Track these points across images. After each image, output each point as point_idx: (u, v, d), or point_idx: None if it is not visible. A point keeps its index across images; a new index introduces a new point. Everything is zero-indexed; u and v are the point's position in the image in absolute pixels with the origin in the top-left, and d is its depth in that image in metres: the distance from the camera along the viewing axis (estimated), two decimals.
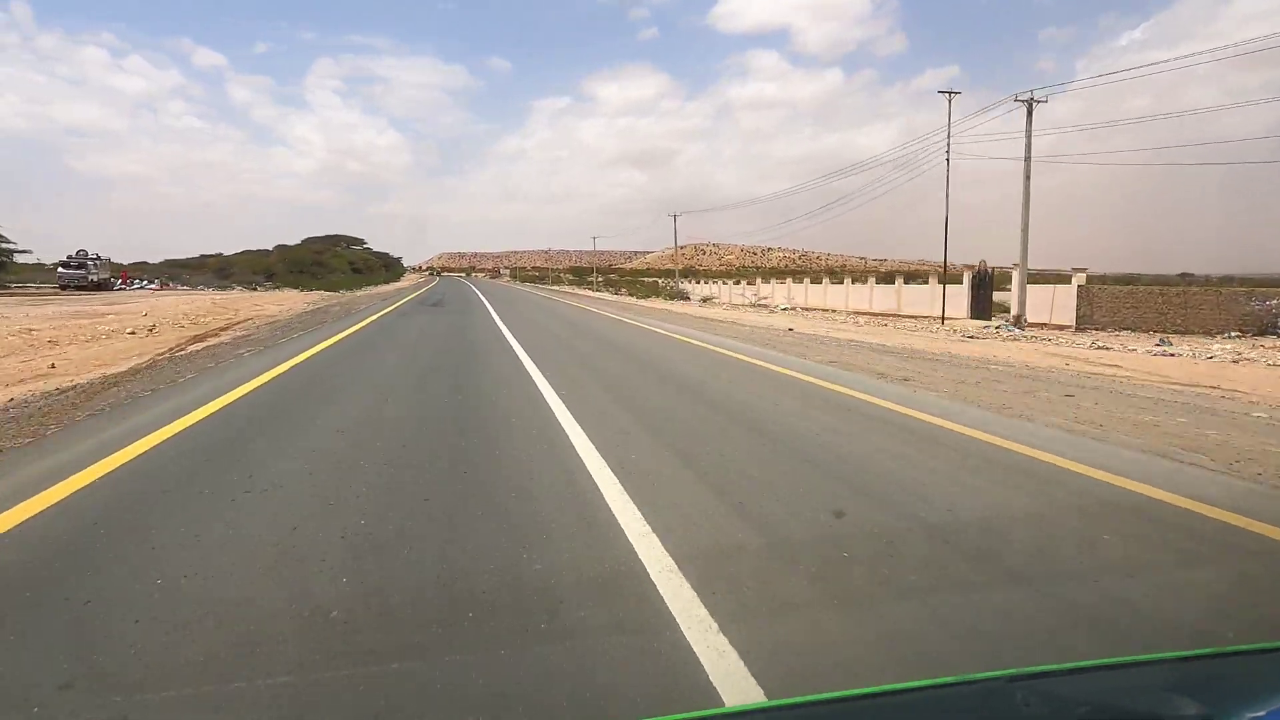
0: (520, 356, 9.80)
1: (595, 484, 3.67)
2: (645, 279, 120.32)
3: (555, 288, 74.17)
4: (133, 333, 12.83)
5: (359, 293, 44.31)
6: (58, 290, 34.33)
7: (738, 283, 54.00)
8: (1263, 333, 19.40)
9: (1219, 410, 6.41)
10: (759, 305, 38.99)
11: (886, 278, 59.00)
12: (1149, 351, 14.51)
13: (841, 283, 38.90)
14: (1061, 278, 24.77)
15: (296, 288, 54.11)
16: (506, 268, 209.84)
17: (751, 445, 4.71)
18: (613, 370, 8.86)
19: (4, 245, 39.40)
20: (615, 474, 3.85)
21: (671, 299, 51.68)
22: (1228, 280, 30.03)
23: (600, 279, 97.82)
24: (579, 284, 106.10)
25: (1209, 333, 19.78)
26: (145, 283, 45.69)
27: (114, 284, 40.56)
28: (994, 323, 24.15)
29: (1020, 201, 22.86)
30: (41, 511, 3.09)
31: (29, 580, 2.44)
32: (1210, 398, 7.24)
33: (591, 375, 8.30)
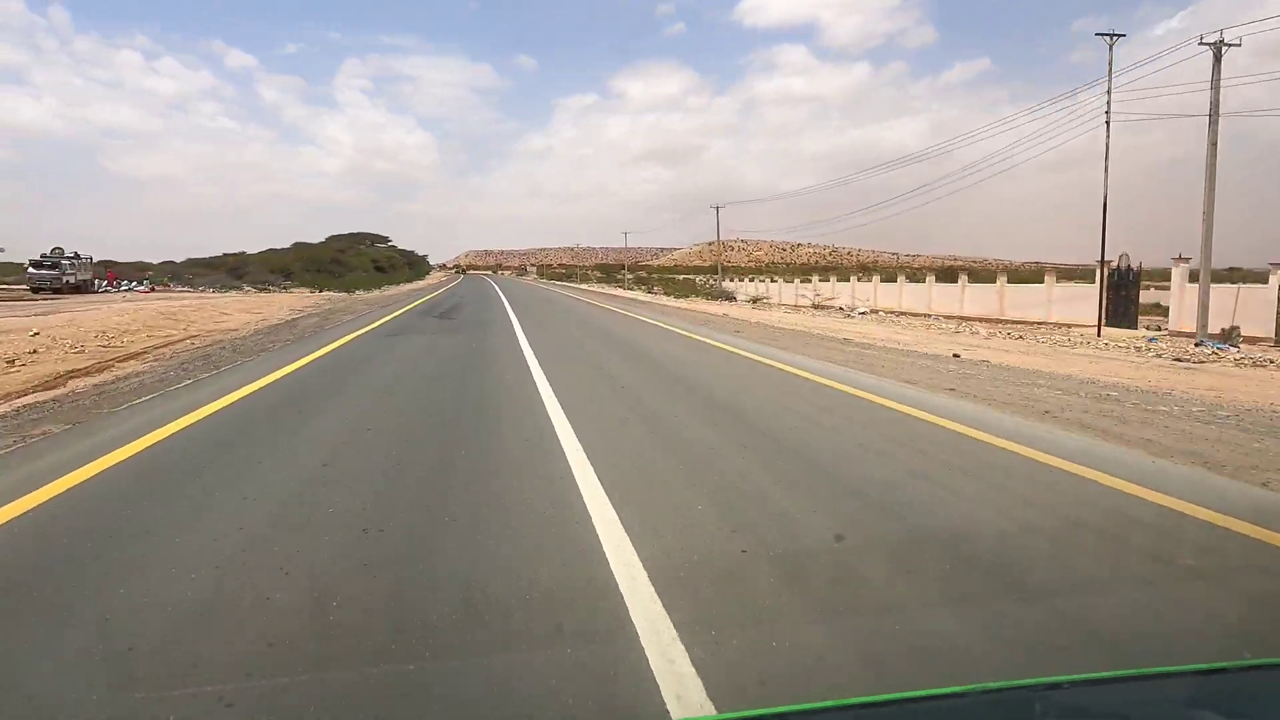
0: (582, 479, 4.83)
1: None
2: (675, 276, 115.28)
3: (583, 286, 69.48)
4: None
5: (373, 293, 39.95)
6: (24, 293, 30.26)
7: (789, 280, 48.64)
8: None
9: None
10: (822, 307, 33.81)
11: (947, 275, 53.64)
12: None
13: (922, 280, 33.49)
14: (1230, 275, 19.43)
15: (313, 287, 50.21)
16: (532, 265, 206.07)
17: None
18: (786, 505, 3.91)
19: None
20: None
21: (712, 298, 46.66)
22: None
23: (630, 276, 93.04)
24: (607, 281, 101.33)
25: None
26: (134, 284, 41.79)
27: (99, 285, 36.88)
28: (1148, 332, 18.83)
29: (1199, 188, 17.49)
30: None
31: None
32: None
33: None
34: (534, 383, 7.42)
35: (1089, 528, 3.29)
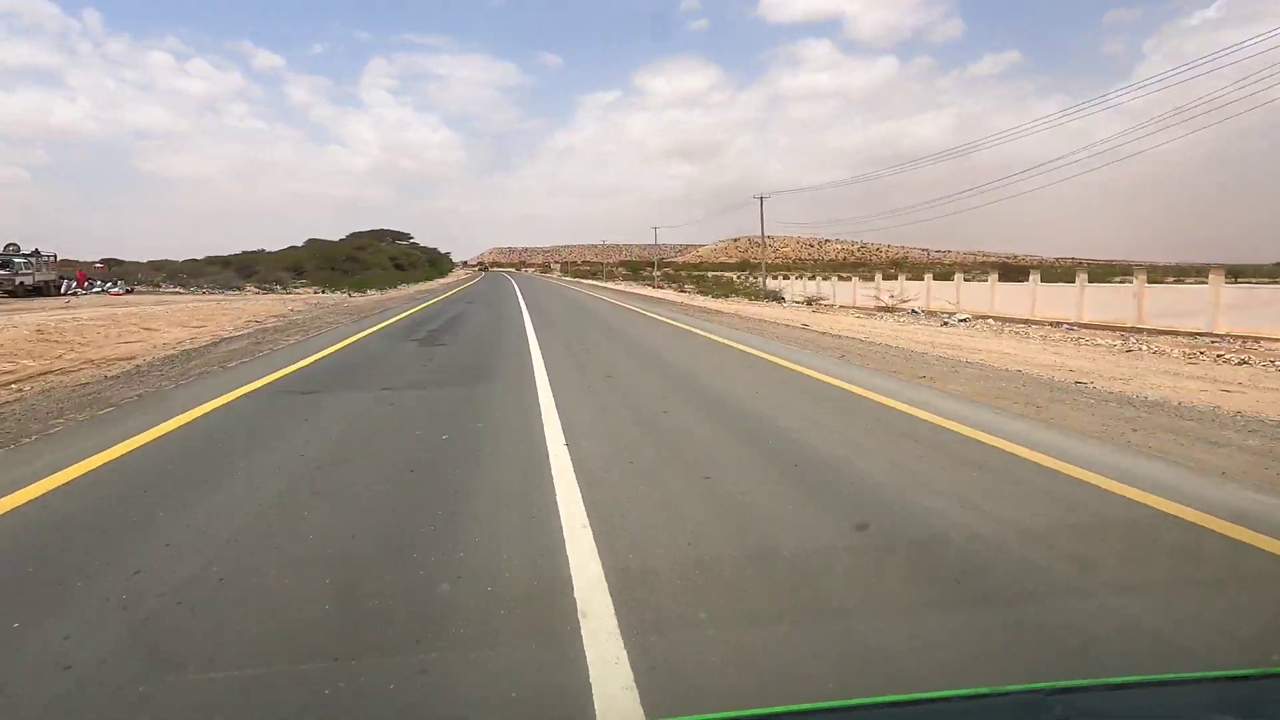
0: None
1: None
2: (705, 273, 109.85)
3: (609, 285, 64.60)
4: None
5: (372, 295, 35.54)
6: None
7: (844, 278, 43.23)
8: None
9: None
10: (892, 309, 28.53)
11: (1010, 273, 48.16)
12: None
13: (1025, 279, 28.01)
14: None
15: (324, 286, 46.09)
16: (556, 262, 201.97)
17: None
18: None
19: None
20: None
21: (752, 297, 41.46)
22: None
23: (658, 274, 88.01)
24: (633, 279, 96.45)
25: None
26: (109, 285, 37.65)
27: (68, 287, 32.94)
28: None
29: None
30: None
31: None
32: None
33: None
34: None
35: None
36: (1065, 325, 21.82)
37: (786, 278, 49.48)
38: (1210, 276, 19.70)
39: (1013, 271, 57.65)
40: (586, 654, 2.03)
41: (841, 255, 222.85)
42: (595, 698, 1.84)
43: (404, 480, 3.86)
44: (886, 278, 48.28)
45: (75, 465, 4.02)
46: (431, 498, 3.54)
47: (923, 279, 33.99)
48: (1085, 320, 22.58)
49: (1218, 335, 18.03)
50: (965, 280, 34.10)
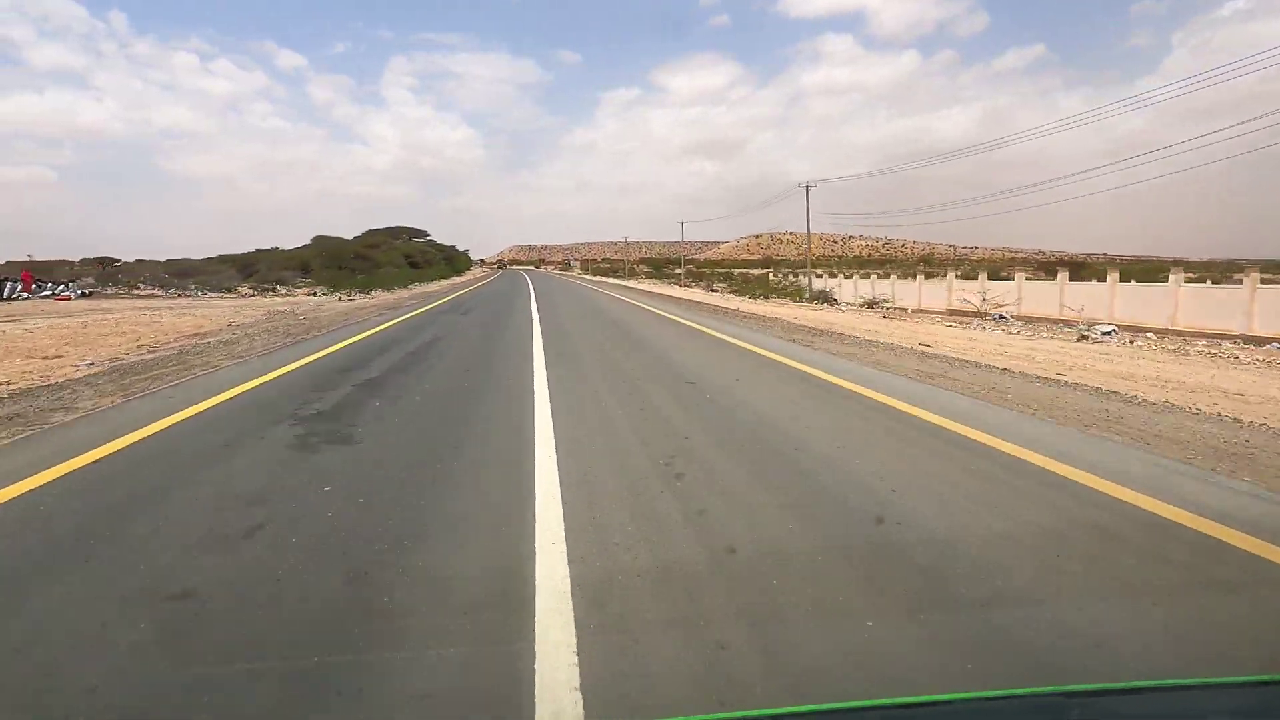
0: None
1: None
2: (731, 270, 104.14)
3: (632, 284, 59.29)
4: None
5: (383, 296, 30.63)
6: None
7: (908, 275, 37.42)
8: None
9: None
10: (979, 315, 22.93)
11: (1047, 270, 42.30)
12: None
13: (1166, 279, 22.26)
14: None
15: (330, 286, 41.46)
16: (576, 259, 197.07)
17: None
18: None
19: None
20: None
21: (797, 298, 35.98)
22: None
23: (679, 271, 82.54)
24: (657, 277, 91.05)
25: None
26: (62, 287, 32.76)
27: (10, 290, 28.41)
28: None
29: None
30: None
31: None
32: None
33: None
34: None
35: None
36: (1239, 339, 16.25)
37: (833, 275, 43.80)
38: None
39: (1085, 271, 51.47)
40: None
41: (866, 252, 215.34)
42: None
43: None
44: (921, 275, 42.52)
45: None
46: None
47: (1001, 277, 28.14)
48: (1262, 332, 16.93)
49: None
50: (1068, 280, 28.36)
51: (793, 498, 3.49)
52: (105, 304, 25.01)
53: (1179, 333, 18.23)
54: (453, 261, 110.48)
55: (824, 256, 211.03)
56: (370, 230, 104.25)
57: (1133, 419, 5.38)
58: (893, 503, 3.38)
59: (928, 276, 34.69)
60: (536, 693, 1.87)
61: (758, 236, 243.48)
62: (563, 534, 2.97)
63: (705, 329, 13.37)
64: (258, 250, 75.02)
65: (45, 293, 30.68)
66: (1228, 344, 14.07)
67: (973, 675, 1.96)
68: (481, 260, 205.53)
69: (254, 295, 36.08)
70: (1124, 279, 22.72)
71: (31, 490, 3.55)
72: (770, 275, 47.51)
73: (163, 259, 73.66)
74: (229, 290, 39.64)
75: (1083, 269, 43.73)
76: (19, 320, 15.57)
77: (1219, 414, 5.69)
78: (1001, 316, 24.37)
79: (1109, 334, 16.93)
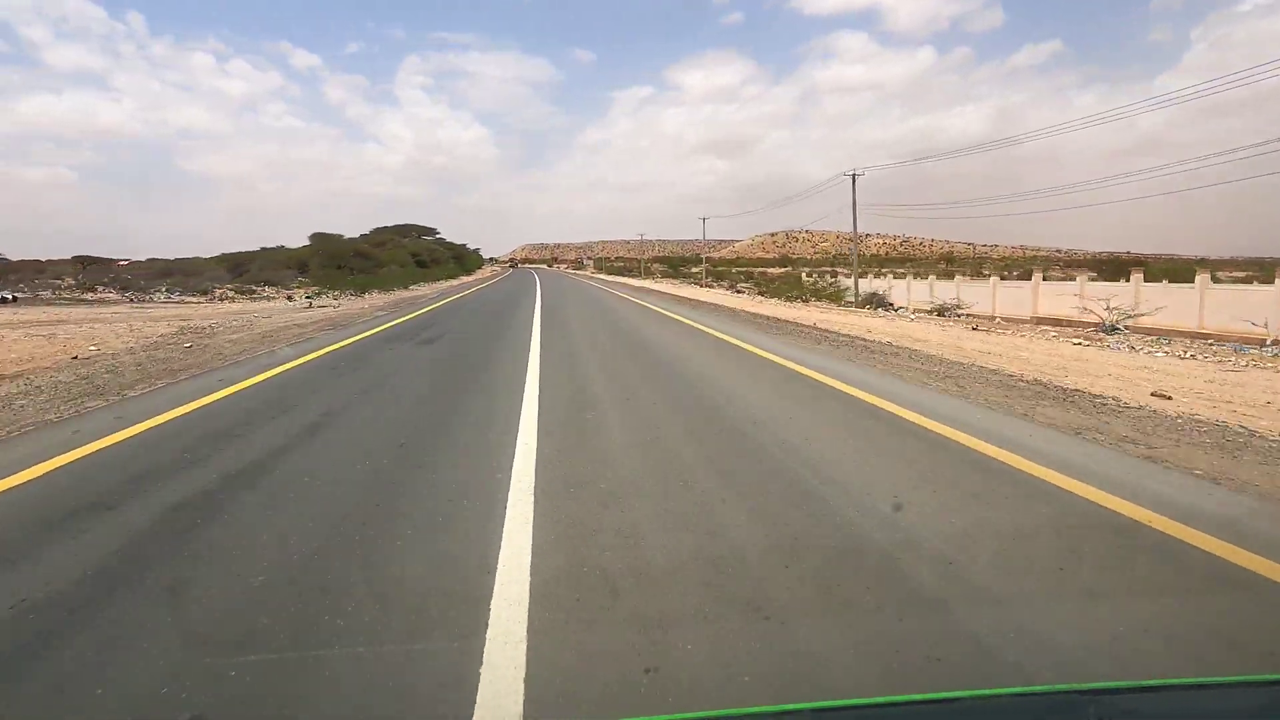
0: None
1: None
2: (748, 268, 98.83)
3: (650, 285, 54.39)
4: None
5: (366, 300, 25.86)
6: None
7: (980, 275, 32.10)
8: None
9: None
10: (1112, 328, 17.86)
11: (1100, 269, 37.13)
12: None
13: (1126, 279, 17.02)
14: None
15: (326, 286, 37.01)
16: (589, 258, 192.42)
17: None
18: None
19: None
20: None
21: (837, 300, 30.90)
22: None
23: (703, 270, 77.57)
24: (674, 276, 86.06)
25: None
26: None
27: None
28: None
29: None
30: None
31: None
32: None
33: None
34: None
35: None
36: None
37: (879, 275, 38.69)
38: None
39: (1108, 268, 46.28)
40: None
41: (884, 250, 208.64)
42: None
43: None
44: (995, 276, 37.41)
45: None
46: None
47: (1139, 279, 22.76)
48: None
49: None
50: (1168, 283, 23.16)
51: None
52: (4, 315, 20.57)
53: None
54: (462, 260, 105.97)
55: (840, 255, 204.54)
56: (378, 228, 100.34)
57: None
58: None
59: (1006, 278, 29.52)
60: None
61: (773, 235, 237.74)
62: None
63: (814, 373, 8.50)
64: (262, 249, 70.95)
65: None
66: None
67: None
68: (493, 259, 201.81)
69: (228, 300, 31.68)
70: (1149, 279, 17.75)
71: None
72: (803, 275, 42.36)
73: (171, 257, 70.02)
74: (205, 293, 35.27)
75: (1141, 267, 38.40)
76: None
77: None
78: (1116, 328, 19.31)
79: None
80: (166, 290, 35.81)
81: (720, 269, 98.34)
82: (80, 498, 3.35)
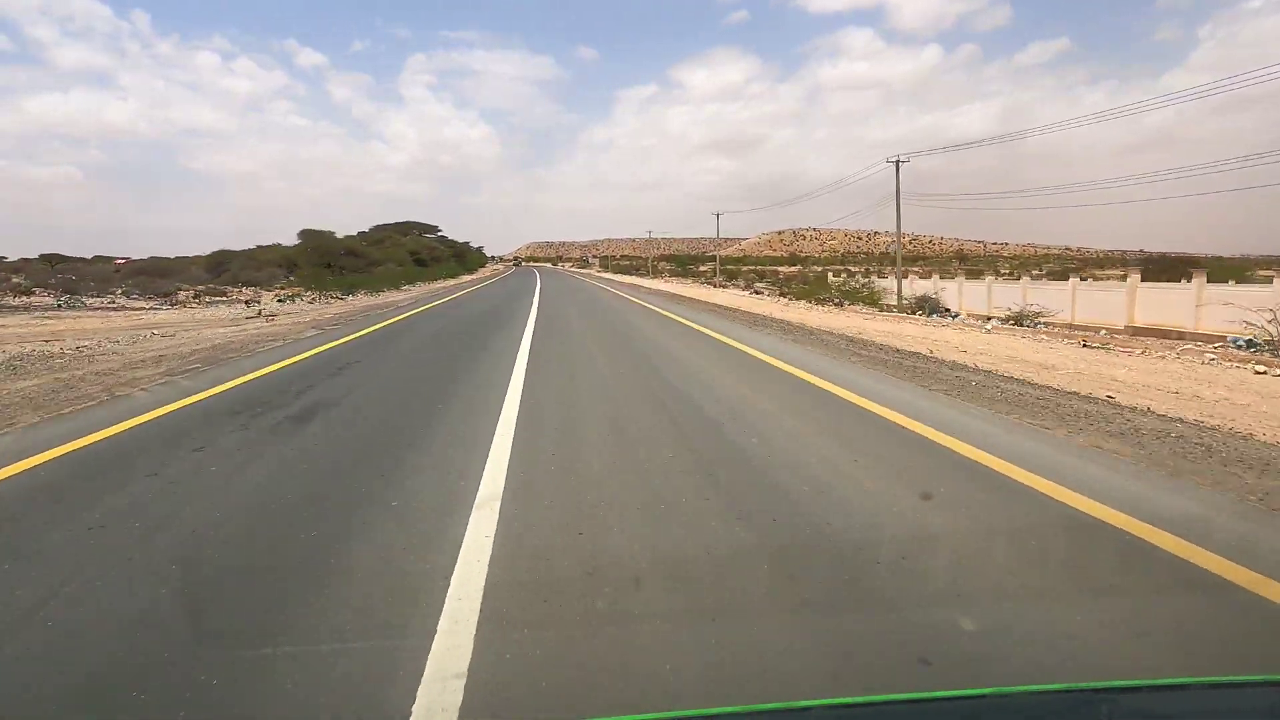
0: None
1: None
2: (760, 267, 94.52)
3: (660, 285, 50.23)
4: None
5: (350, 303, 21.79)
6: None
7: (1056, 275, 27.74)
8: None
9: None
10: (1273, 346, 13.63)
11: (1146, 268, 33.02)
12: None
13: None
14: None
15: (311, 286, 33.12)
16: (594, 256, 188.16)
17: None
18: None
19: None
20: None
21: (871, 302, 26.68)
22: None
23: (716, 269, 73.37)
24: (682, 275, 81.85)
25: None
26: None
27: None
28: None
29: None
30: None
31: None
32: None
33: None
34: None
35: None
36: None
37: (923, 276, 34.45)
38: None
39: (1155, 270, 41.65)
40: None
41: (892, 247, 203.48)
42: None
43: None
44: (941, 274, 33.23)
45: None
46: None
47: (1083, 277, 18.41)
48: None
49: None
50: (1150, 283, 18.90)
51: None
52: None
53: None
54: (463, 258, 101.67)
55: (849, 253, 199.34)
56: (378, 226, 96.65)
57: None
58: None
59: (1086, 278, 25.26)
60: None
61: (780, 233, 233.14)
62: None
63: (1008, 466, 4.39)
64: (259, 246, 66.98)
65: None
66: None
67: None
68: (498, 257, 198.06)
69: (180, 306, 27.77)
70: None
71: None
72: (831, 275, 38.22)
73: (172, 256, 66.28)
74: (167, 295, 31.35)
75: (1201, 268, 34.14)
76: None
77: None
78: (1251, 343, 15.09)
79: None
80: (124, 293, 31.93)
81: (729, 267, 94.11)
82: None
